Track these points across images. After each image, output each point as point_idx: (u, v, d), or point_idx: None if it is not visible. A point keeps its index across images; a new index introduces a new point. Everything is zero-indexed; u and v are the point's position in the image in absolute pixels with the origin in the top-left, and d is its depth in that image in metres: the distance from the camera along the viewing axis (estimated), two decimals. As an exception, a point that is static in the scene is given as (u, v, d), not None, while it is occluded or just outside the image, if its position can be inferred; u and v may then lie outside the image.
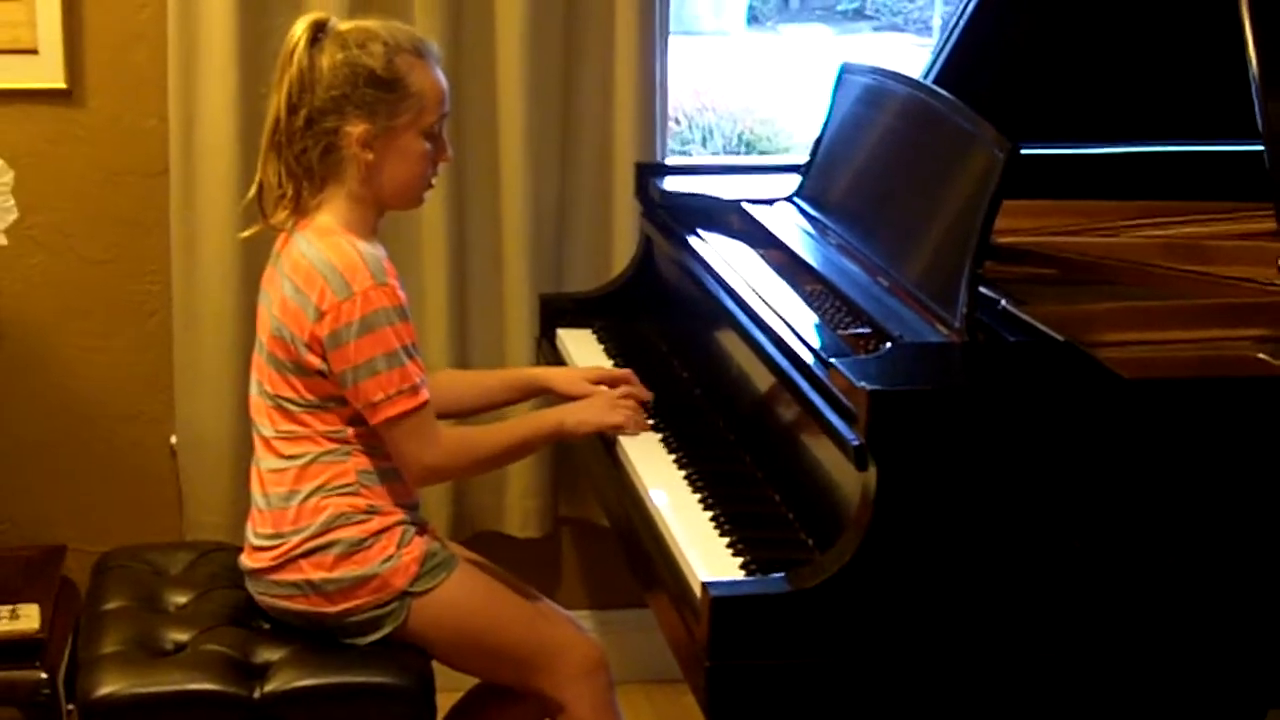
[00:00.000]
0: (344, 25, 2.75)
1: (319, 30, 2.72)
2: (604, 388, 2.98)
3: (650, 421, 2.91)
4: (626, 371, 3.02)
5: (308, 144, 2.72)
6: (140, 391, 3.70)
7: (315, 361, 2.70)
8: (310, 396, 2.74)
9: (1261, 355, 2.47)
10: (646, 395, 2.95)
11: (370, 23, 2.77)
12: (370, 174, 2.74)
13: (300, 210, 2.76)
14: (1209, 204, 3.11)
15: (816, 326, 2.67)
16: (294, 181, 2.74)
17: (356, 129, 2.71)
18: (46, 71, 3.52)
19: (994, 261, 2.74)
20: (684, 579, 2.41)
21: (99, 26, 3.54)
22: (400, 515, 2.78)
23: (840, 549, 2.25)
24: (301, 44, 2.71)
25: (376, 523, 2.75)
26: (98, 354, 3.68)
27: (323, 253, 2.70)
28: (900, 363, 2.44)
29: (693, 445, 2.82)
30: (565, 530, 3.91)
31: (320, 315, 2.68)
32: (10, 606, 3.17)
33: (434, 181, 2.83)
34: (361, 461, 2.76)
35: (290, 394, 2.74)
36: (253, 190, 2.80)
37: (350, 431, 2.75)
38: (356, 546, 2.73)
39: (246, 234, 2.91)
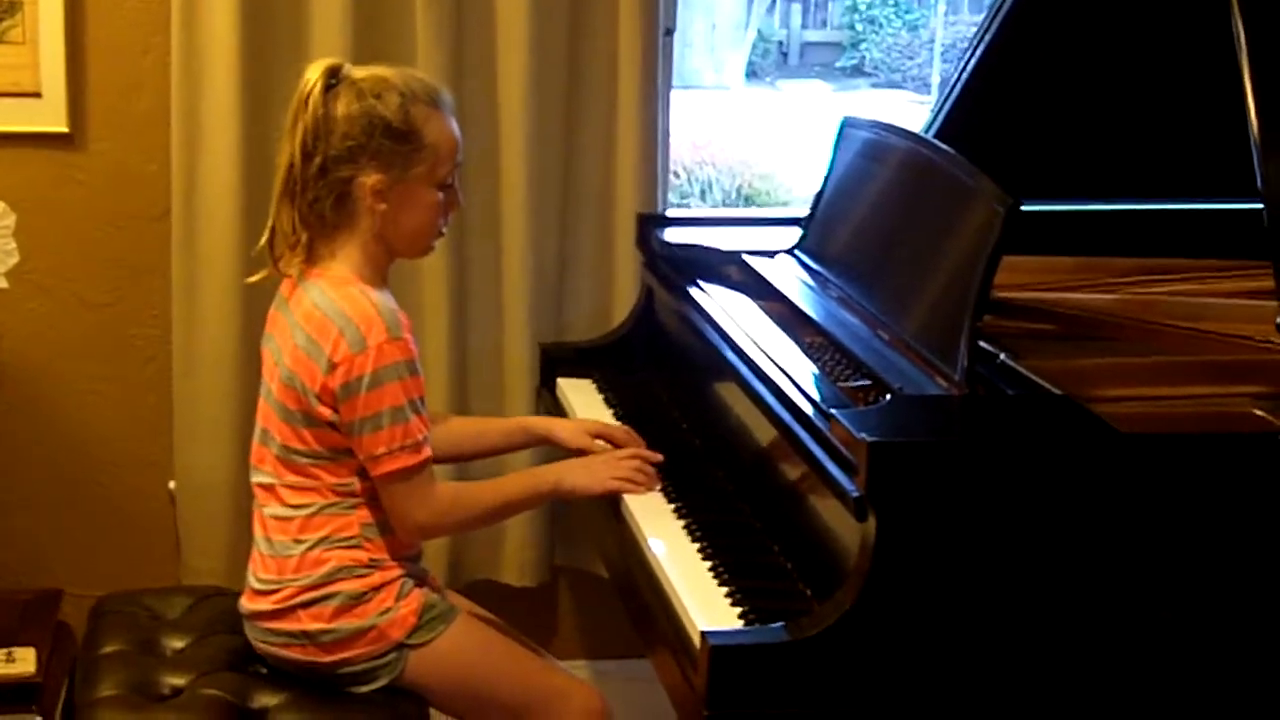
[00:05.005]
0: (359, 73, 2.73)
1: (333, 76, 2.71)
2: (606, 445, 2.97)
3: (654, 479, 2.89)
4: (629, 431, 3.00)
5: (321, 192, 2.70)
6: (139, 436, 3.70)
7: (326, 413, 2.70)
8: (320, 448, 2.73)
9: (1258, 411, 2.48)
10: (656, 458, 2.92)
11: (386, 71, 2.74)
12: (383, 224, 2.73)
13: (312, 258, 2.74)
14: (1208, 262, 3.12)
15: (816, 378, 2.68)
16: (307, 229, 2.72)
17: (370, 179, 2.70)
18: (49, 115, 3.53)
19: (994, 315, 2.75)
20: (683, 628, 2.41)
21: (102, 70, 3.55)
22: (400, 569, 2.77)
23: (839, 599, 2.25)
24: (316, 90, 2.69)
25: (378, 577, 2.74)
26: (97, 398, 3.68)
27: (337, 303, 2.69)
28: (900, 415, 2.45)
29: (692, 495, 2.82)
30: (561, 579, 3.90)
31: (333, 367, 2.67)
32: (6, 650, 3.16)
33: (445, 230, 2.83)
34: (365, 514, 2.75)
35: (300, 445, 2.73)
36: (265, 237, 2.78)
37: (358, 485, 2.74)
38: (356, 600, 2.73)
39: (253, 279, 2.88)
